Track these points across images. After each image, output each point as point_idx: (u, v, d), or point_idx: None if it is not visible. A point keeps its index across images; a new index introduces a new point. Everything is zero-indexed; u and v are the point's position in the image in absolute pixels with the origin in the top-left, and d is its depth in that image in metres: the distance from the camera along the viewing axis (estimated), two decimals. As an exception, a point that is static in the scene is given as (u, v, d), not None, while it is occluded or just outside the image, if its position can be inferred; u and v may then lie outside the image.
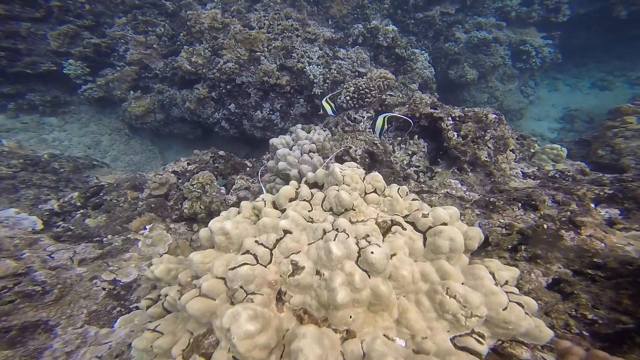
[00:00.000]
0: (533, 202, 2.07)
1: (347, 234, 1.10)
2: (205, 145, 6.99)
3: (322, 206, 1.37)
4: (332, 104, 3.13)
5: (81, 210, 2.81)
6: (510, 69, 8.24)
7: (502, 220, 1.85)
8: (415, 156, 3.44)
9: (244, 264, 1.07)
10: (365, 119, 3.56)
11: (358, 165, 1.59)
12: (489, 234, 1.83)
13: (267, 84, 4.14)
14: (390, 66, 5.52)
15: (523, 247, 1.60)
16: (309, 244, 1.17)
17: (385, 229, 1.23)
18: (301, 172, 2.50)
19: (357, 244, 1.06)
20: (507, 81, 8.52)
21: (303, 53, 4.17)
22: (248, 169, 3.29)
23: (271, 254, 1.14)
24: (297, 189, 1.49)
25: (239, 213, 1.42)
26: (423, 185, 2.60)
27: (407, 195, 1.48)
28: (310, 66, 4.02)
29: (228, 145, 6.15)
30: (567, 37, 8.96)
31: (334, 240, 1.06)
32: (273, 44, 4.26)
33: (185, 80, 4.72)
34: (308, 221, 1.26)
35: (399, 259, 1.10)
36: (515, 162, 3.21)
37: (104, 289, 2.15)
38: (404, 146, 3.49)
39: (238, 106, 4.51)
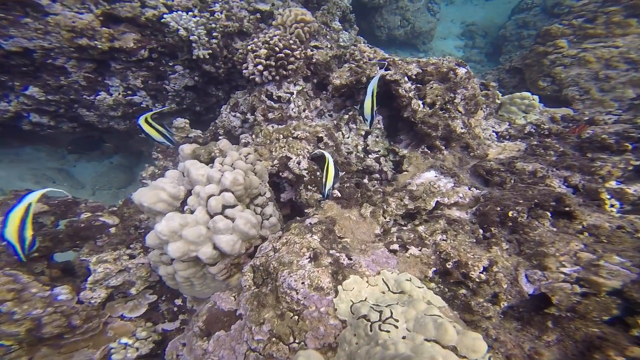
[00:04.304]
0: (566, 208, 1.49)
1: None
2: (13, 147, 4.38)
3: None
4: (162, 128, 1.67)
5: None
6: (420, -18, 7.49)
7: (565, 271, 1.21)
8: (370, 136, 2.54)
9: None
10: (294, 95, 2.34)
11: None
12: (552, 295, 1.19)
13: (91, 50, 2.32)
14: (297, -5, 4.01)
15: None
16: None
17: None
18: (220, 248, 1.35)
19: None
20: (416, -2, 7.84)
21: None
22: (112, 229, 1.83)
23: None
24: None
25: None
26: (407, 202, 1.76)
27: None
28: (173, 13, 2.34)
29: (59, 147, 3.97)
30: None
31: None
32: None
33: None
34: None
35: None
36: (484, 119, 2.64)
37: None
38: (353, 125, 2.51)
39: (48, 89, 2.59)
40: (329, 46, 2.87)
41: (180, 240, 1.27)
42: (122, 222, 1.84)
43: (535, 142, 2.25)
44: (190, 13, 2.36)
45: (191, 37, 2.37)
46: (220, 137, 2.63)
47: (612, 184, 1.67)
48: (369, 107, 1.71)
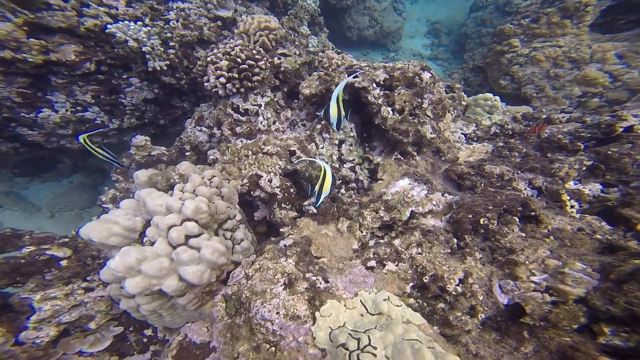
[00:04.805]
0: (532, 213, 1.55)
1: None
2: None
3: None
4: (102, 151, 1.60)
5: None
6: (385, -18, 7.61)
7: (535, 280, 1.24)
8: (344, 145, 2.51)
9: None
10: (262, 107, 2.25)
11: None
12: (525, 304, 1.21)
13: (20, 63, 2.09)
14: (262, 1, 3.90)
15: (607, 330, 1.03)
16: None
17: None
18: (187, 280, 1.26)
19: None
20: (382, -2, 7.98)
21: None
22: (63, 262, 1.65)
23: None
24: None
25: None
26: (383, 214, 1.75)
27: None
28: (119, 23, 2.16)
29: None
30: None
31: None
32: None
33: None
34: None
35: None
36: (452, 121, 2.70)
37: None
38: (327, 135, 2.47)
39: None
40: (297, 53, 2.80)
41: (139, 275, 1.16)
42: (77, 253, 1.66)
43: (501, 144, 2.33)
44: (139, 22, 2.19)
45: (143, 48, 2.20)
46: (187, 154, 2.49)
47: (571, 184, 1.76)
48: (335, 111, 1.68)
